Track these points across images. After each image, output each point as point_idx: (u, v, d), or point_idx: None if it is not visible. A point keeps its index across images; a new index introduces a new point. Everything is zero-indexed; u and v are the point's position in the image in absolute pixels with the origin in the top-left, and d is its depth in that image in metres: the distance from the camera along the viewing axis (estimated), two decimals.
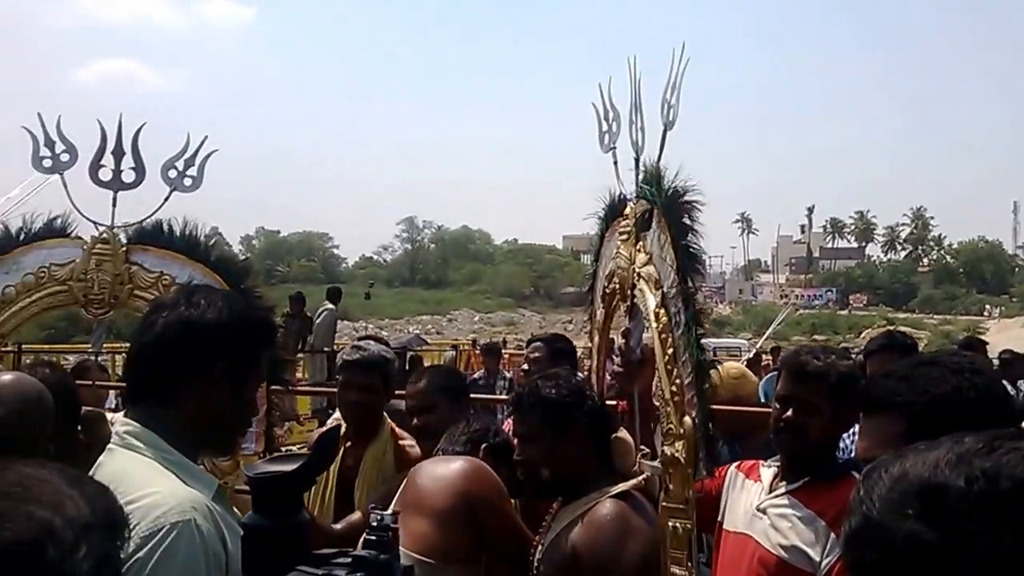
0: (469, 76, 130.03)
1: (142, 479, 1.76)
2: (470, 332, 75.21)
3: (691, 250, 2.64)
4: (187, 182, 3.84)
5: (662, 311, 2.62)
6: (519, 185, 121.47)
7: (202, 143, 3.85)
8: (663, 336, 2.60)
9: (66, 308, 3.90)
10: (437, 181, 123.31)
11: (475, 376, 10.72)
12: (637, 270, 2.75)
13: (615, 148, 2.98)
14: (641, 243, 2.78)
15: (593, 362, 3.41)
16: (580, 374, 3.08)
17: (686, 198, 2.68)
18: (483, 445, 2.88)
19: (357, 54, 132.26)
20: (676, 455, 2.53)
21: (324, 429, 3.27)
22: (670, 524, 2.54)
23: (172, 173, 3.82)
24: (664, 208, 2.69)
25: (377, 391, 3.56)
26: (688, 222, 2.66)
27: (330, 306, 15.04)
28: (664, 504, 2.57)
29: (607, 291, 3.02)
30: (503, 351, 13.75)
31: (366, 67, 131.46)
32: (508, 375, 11.01)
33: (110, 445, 1.88)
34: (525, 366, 4.51)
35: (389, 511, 1.39)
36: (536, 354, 4.36)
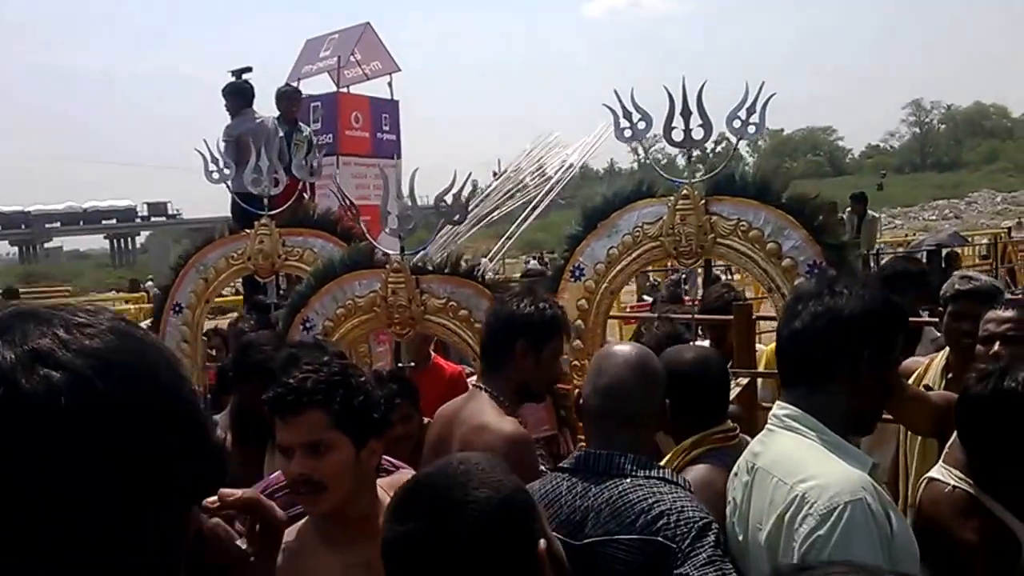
0: None
1: (810, 460, 1.87)
2: (993, 213, 68.39)
3: None
4: (751, 129, 3.88)
5: None
6: None
7: (760, 88, 3.86)
8: None
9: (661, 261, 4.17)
10: (943, 59, 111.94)
11: None
12: None
13: None
14: None
15: None
16: None
17: None
18: None
19: None
20: None
21: None
22: None
23: (736, 123, 3.89)
24: None
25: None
26: None
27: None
28: None
29: None
30: None
31: None
32: None
33: (769, 426, 2.01)
34: None
35: None
36: None
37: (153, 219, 75.54)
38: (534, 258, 31.66)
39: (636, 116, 3.94)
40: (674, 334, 4.09)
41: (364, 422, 2.22)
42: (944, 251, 13.68)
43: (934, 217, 68.63)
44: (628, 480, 2.11)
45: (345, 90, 11.69)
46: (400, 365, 4.45)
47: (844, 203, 15.20)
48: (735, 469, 2.16)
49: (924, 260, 14.85)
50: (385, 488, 2.34)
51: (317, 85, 11.77)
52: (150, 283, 14.06)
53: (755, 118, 3.87)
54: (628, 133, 3.97)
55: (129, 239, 79.58)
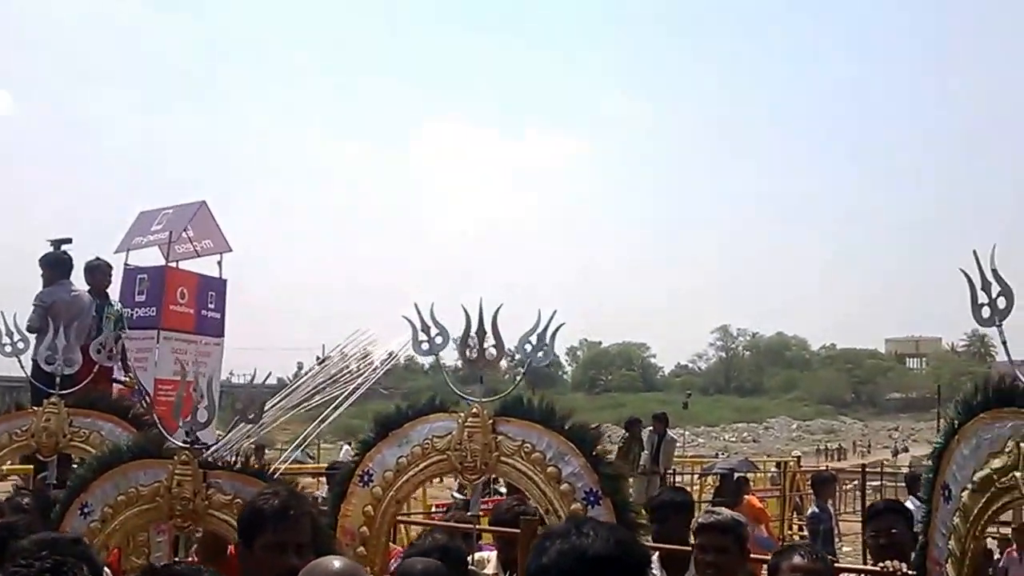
0: (756, 200, 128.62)
1: None
2: (788, 440, 72.32)
3: None
4: (540, 355, 4.08)
5: None
6: (836, 289, 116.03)
7: (551, 317, 4.09)
8: None
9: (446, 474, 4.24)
10: (751, 288, 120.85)
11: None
12: None
13: None
14: None
15: (952, 544, 3.11)
16: None
17: None
18: None
19: (667, 181, 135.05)
20: None
21: None
22: None
23: (527, 348, 4.09)
24: None
25: (730, 552, 3.63)
26: None
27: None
28: None
29: (997, 483, 2.84)
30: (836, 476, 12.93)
31: (677, 186, 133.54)
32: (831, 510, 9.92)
33: None
34: None
35: None
36: None
37: None
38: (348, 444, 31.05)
39: (435, 330, 4.10)
40: (445, 545, 4.10)
41: None
42: (735, 475, 14.27)
43: (734, 439, 71.93)
44: None
45: (174, 265, 11.61)
46: (177, 560, 4.26)
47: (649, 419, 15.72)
48: None
49: (717, 482, 15.46)
50: None
51: (146, 258, 11.69)
52: None
53: (545, 345, 4.08)
54: (425, 347, 4.11)
55: None
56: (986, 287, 2.86)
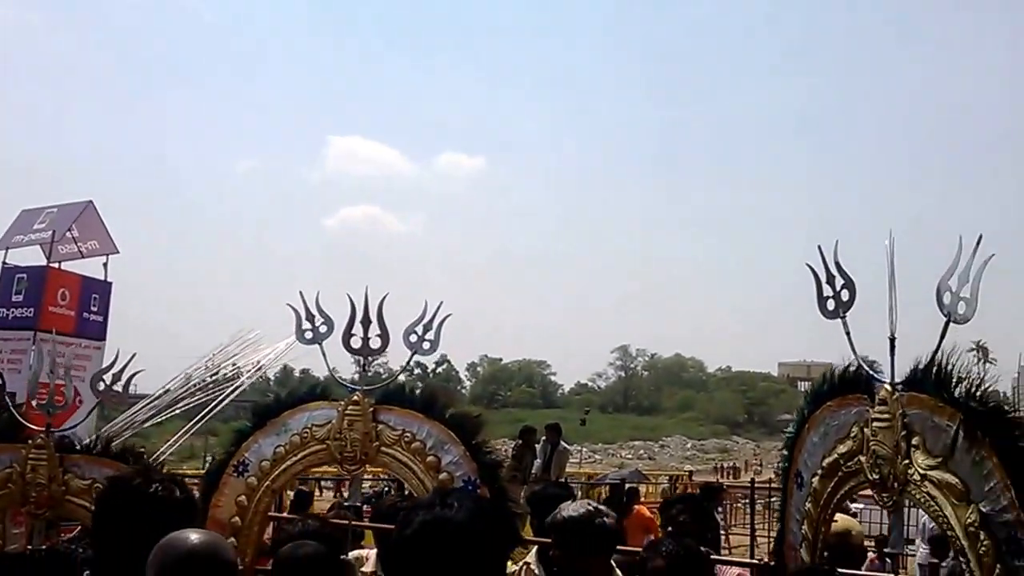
0: (676, 207, 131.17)
1: None
2: (683, 458, 73.88)
3: None
4: (426, 346, 4.07)
5: (982, 532, 2.57)
6: (733, 312, 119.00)
7: (438, 309, 4.10)
8: (985, 559, 2.56)
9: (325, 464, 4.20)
10: (650, 310, 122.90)
11: None
12: (923, 472, 2.70)
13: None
14: (919, 439, 2.73)
15: (805, 528, 3.26)
16: None
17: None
18: None
19: (570, 198, 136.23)
20: None
21: None
22: None
23: (413, 338, 4.08)
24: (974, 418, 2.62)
25: None
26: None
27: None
28: None
29: (844, 468, 2.98)
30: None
31: (578, 207, 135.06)
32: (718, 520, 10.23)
33: None
34: None
35: None
36: None
37: None
38: None
39: (319, 319, 4.08)
40: (319, 531, 4.04)
41: None
42: (626, 486, 14.53)
43: (631, 456, 73.10)
44: None
45: (56, 266, 11.28)
46: (31, 548, 4.14)
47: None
48: None
49: (608, 493, 15.73)
50: None
51: (27, 257, 11.34)
52: None
53: (431, 335, 4.07)
54: (309, 335, 4.07)
55: None
56: (831, 280, 3.02)
